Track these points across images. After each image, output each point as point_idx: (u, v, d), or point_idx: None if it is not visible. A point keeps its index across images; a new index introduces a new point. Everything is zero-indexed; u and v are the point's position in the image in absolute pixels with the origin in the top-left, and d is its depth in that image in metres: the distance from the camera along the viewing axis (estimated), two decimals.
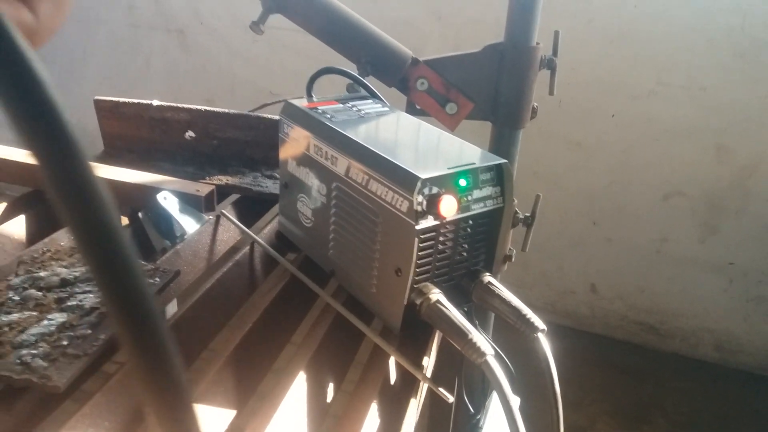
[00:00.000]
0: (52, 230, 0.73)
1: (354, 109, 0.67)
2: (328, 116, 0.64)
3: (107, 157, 0.89)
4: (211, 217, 0.78)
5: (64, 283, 0.60)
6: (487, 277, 0.59)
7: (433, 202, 0.51)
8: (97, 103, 0.88)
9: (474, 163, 0.55)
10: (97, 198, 0.17)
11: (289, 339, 0.63)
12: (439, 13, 1.79)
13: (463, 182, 0.54)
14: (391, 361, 0.58)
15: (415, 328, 0.58)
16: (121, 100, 0.87)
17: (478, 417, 0.84)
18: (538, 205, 0.79)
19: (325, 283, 0.67)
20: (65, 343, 0.52)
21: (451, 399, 0.51)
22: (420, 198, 0.51)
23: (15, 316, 0.55)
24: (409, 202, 0.51)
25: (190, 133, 0.89)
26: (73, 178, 0.16)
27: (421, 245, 0.53)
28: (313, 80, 0.70)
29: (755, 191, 1.74)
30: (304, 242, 0.70)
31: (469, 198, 0.55)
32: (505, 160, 0.56)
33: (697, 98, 1.70)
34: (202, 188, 0.77)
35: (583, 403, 1.76)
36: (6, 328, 0.54)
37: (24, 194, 0.80)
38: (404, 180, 0.52)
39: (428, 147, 0.61)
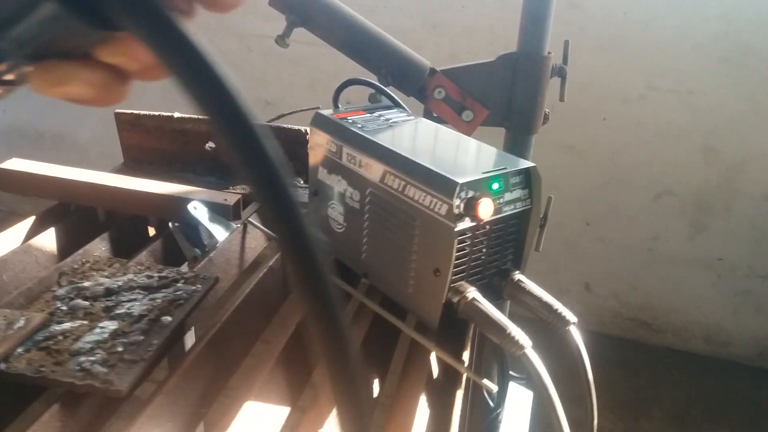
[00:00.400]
0: (82, 242, 0.75)
1: (381, 118, 0.70)
2: (359, 125, 0.66)
3: (128, 169, 0.91)
4: (238, 225, 0.80)
5: (109, 292, 0.62)
6: (517, 275, 0.62)
7: (471, 205, 0.54)
8: (117, 116, 0.90)
9: (506, 168, 0.58)
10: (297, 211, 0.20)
11: None
12: (434, 22, 1.83)
13: (495, 186, 0.57)
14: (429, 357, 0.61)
15: (450, 325, 0.61)
16: (142, 112, 0.89)
17: (497, 411, 0.86)
18: (549, 207, 0.82)
19: (356, 285, 0.70)
20: (120, 349, 0.54)
21: (495, 389, 0.54)
22: (458, 201, 0.54)
23: (67, 326, 0.57)
24: (447, 206, 0.54)
25: (210, 144, 0.91)
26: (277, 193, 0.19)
27: (458, 246, 0.56)
28: (339, 91, 0.73)
29: (741, 190, 1.81)
30: (335, 247, 0.72)
31: (501, 200, 0.58)
32: (534, 164, 0.59)
33: (685, 102, 1.75)
34: (230, 197, 0.79)
35: (582, 398, 1.81)
36: (60, 337, 0.55)
37: (50, 208, 0.81)
38: (442, 185, 0.55)
39: (459, 153, 0.64)
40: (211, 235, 0.77)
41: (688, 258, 1.90)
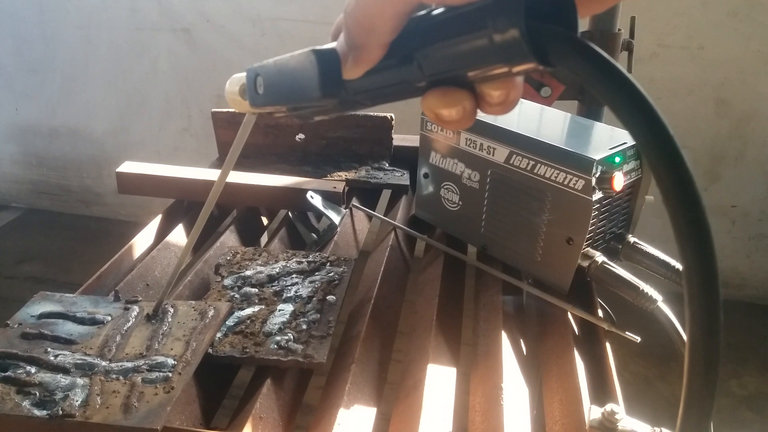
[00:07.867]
0: (207, 234, 0.82)
1: None
2: None
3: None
4: (345, 210, 0.86)
5: (271, 278, 0.69)
6: (632, 238, 0.70)
7: (606, 178, 0.61)
8: (214, 114, 0.95)
9: (626, 142, 0.65)
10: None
11: (462, 306, 0.73)
12: None
13: (618, 159, 0.64)
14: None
15: (576, 287, 0.68)
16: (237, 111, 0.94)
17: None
18: None
19: (473, 257, 0.77)
20: (305, 327, 0.61)
21: (638, 340, 0.62)
22: (594, 176, 0.61)
23: (249, 311, 0.64)
24: (585, 181, 0.62)
25: (300, 136, 0.96)
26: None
27: (593, 216, 0.63)
28: None
29: (752, 139, 1.91)
30: (449, 223, 0.79)
31: (623, 171, 0.65)
32: None
33: (696, 57, 1.84)
34: (338, 185, 0.85)
35: (612, 347, 1.93)
36: (248, 321, 0.62)
37: (170, 205, 0.87)
38: (578, 162, 0.62)
39: (577, 131, 0.71)
40: (325, 220, 0.83)
41: None
